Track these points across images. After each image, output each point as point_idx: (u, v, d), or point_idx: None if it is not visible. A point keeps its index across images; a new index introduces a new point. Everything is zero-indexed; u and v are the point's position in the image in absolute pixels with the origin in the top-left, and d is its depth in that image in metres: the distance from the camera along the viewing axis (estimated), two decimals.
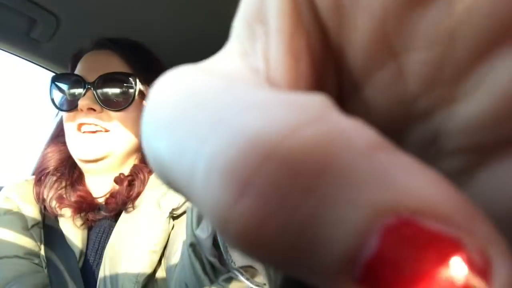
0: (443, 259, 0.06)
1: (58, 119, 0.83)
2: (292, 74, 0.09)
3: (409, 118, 0.09)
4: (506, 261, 0.06)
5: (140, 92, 0.72)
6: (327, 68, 0.10)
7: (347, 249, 0.06)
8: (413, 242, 0.06)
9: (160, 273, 0.67)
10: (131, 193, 0.70)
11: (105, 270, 0.65)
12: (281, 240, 0.07)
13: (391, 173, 0.06)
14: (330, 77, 0.10)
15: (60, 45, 1.07)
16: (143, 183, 0.71)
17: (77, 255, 0.68)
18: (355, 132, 0.07)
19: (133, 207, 0.70)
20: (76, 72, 0.72)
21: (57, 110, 0.82)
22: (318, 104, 0.07)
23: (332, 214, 0.06)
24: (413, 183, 0.06)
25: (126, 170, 0.74)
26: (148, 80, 0.73)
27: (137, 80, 0.71)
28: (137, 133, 0.71)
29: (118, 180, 0.72)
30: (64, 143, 0.76)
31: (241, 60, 0.10)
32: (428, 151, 0.09)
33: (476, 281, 0.06)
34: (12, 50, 1.04)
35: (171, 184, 0.09)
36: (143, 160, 0.74)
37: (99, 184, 0.74)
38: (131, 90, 0.70)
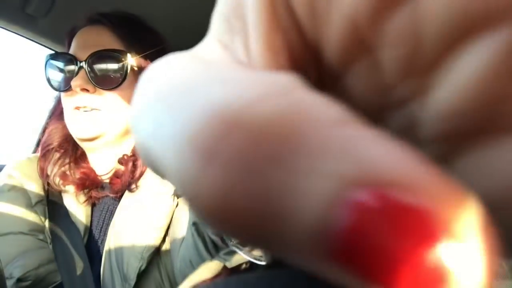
0: (416, 231, 0.06)
1: (57, 94, 0.83)
2: (272, 67, 0.10)
3: (387, 107, 0.10)
4: (479, 229, 0.06)
5: (133, 68, 0.70)
6: (307, 61, 0.10)
7: (316, 220, 0.06)
8: (385, 215, 0.06)
9: (165, 250, 0.69)
10: (135, 173, 0.71)
11: (110, 247, 0.67)
12: (249, 210, 0.06)
13: (357, 146, 0.06)
14: (310, 69, 0.10)
15: (56, 20, 1.06)
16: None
17: (82, 231, 0.69)
18: (321, 106, 0.07)
19: (137, 187, 0.71)
20: (70, 50, 0.71)
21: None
22: (287, 81, 0.08)
23: (298, 184, 0.06)
24: (381, 155, 0.06)
25: (126, 148, 0.75)
26: (144, 54, 0.71)
27: (128, 56, 0.69)
28: (129, 110, 0.70)
29: (122, 161, 0.72)
30: None
31: (223, 51, 0.11)
32: (406, 139, 0.10)
33: (451, 252, 0.06)
34: (7, 26, 1.02)
35: (153, 166, 0.09)
36: None
37: (102, 162, 0.75)
38: (123, 68, 0.68)
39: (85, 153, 0.77)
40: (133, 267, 0.63)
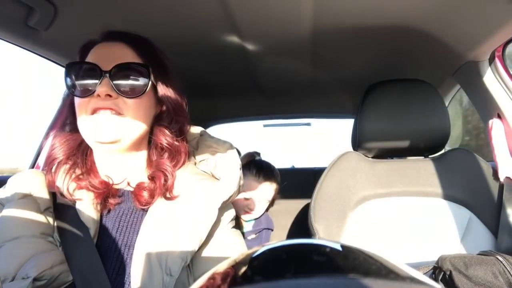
0: None
1: (59, 106, 0.83)
2: None
3: None
4: None
5: (152, 82, 0.76)
6: None
7: None
8: None
9: (203, 250, 0.76)
10: (166, 185, 0.77)
11: (143, 246, 0.71)
12: None
13: None
14: None
15: (58, 33, 1.06)
16: (172, 174, 0.78)
17: (93, 231, 0.72)
18: None
19: (173, 195, 0.77)
20: (89, 60, 0.75)
21: (60, 100, 0.84)
22: None
23: None
24: None
25: (135, 158, 0.79)
26: (157, 72, 0.78)
27: (150, 71, 0.75)
28: (147, 119, 0.77)
29: (154, 175, 0.77)
30: (71, 132, 0.79)
31: None
32: None
33: None
34: (10, 38, 1.03)
35: None
36: (159, 153, 0.79)
37: (113, 171, 0.78)
38: (145, 80, 0.74)
39: (94, 165, 0.80)
40: (177, 264, 0.69)
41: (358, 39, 1.21)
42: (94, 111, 0.71)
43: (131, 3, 0.97)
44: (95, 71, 0.72)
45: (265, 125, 2.42)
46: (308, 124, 2.39)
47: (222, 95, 1.91)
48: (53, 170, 0.76)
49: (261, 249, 0.30)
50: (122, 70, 0.72)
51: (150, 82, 0.75)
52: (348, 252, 0.29)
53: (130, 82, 0.73)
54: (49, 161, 0.77)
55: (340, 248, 0.30)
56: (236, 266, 0.29)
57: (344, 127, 2.34)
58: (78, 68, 0.74)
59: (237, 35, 1.17)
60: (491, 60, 1.17)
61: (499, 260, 0.87)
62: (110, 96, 0.71)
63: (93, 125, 0.72)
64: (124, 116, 0.73)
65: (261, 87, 1.79)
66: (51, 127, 1.61)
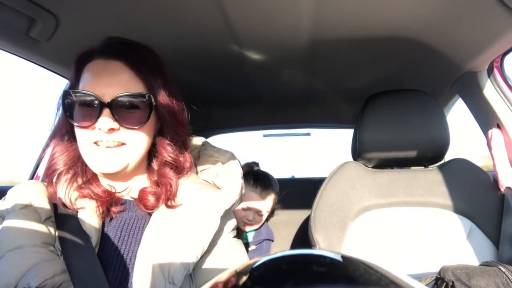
0: None
1: (59, 116, 0.82)
2: None
3: None
4: None
5: (154, 106, 0.74)
6: None
7: None
8: None
9: (205, 258, 0.76)
10: (171, 192, 0.77)
11: (146, 254, 0.70)
12: None
13: None
14: None
15: (60, 44, 1.07)
16: (176, 182, 0.78)
17: (94, 240, 0.72)
18: None
19: (175, 203, 0.77)
20: (86, 83, 0.72)
21: (55, 112, 0.81)
22: None
23: None
24: None
25: (141, 166, 0.79)
26: (156, 89, 0.75)
27: (152, 98, 0.73)
28: (150, 140, 0.77)
29: (158, 182, 0.78)
30: (70, 141, 0.78)
31: None
32: None
33: None
34: (12, 49, 1.04)
35: None
36: (162, 164, 0.79)
37: (117, 182, 0.78)
38: (147, 109, 0.73)
39: (95, 175, 0.79)
40: (180, 272, 0.69)
41: (357, 50, 1.22)
42: (96, 142, 0.70)
43: (132, 14, 0.98)
44: (94, 102, 0.69)
45: (265, 135, 2.42)
46: (308, 134, 2.40)
47: (221, 105, 1.92)
48: (53, 180, 0.76)
49: (261, 260, 0.30)
50: (124, 101, 0.70)
51: (152, 111, 0.73)
52: (348, 262, 0.29)
53: (131, 112, 0.71)
54: (50, 172, 0.77)
55: (340, 259, 0.30)
56: (237, 276, 0.29)
57: (344, 137, 2.34)
58: (76, 96, 0.71)
59: (237, 46, 1.17)
60: (490, 71, 1.18)
61: (502, 271, 0.86)
62: (113, 129, 0.70)
63: (97, 157, 0.71)
64: (127, 145, 0.72)
65: (261, 97, 1.80)
66: (51, 138, 1.61)
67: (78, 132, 0.73)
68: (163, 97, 0.76)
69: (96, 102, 0.69)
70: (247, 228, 1.63)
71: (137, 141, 0.73)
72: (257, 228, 1.67)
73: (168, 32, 1.08)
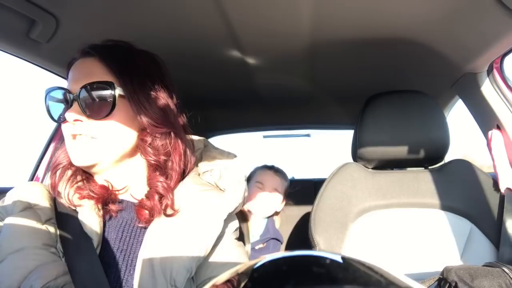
0: None
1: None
2: None
3: None
4: None
5: (122, 96, 0.73)
6: None
7: None
8: None
9: (207, 260, 0.75)
10: (162, 203, 0.75)
11: (147, 256, 0.70)
12: None
13: None
14: None
15: (60, 45, 1.07)
16: (168, 191, 0.75)
17: (95, 242, 0.72)
18: None
19: (175, 211, 0.75)
20: (67, 82, 0.75)
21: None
22: None
23: None
24: None
25: (136, 163, 0.78)
26: (132, 84, 0.73)
27: (116, 86, 0.72)
28: (126, 136, 0.74)
29: (148, 196, 0.76)
30: None
31: None
32: None
33: None
34: (12, 50, 1.04)
35: None
36: (155, 167, 0.77)
37: (112, 180, 0.78)
38: (112, 97, 0.71)
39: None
40: (182, 275, 0.69)
41: (357, 51, 1.22)
42: (73, 136, 0.72)
43: (133, 16, 0.98)
44: (65, 96, 0.72)
45: (265, 136, 2.42)
46: (308, 135, 2.40)
47: (221, 106, 1.92)
48: (57, 174, 0.76)
49: (261, 261, 0.30)
50: (88, 91, 0.70)
51: (116, 100, 0.71)
52: (348, 264, 0.29)
53: (97, 102, 0.71)
54: (54, 165, 0.78)
55: (340, 260, 0.30)
56: (237, 277, 0.29)
57: (343, 138, 2.34)
58: (54, 92, 0.74)
59: (237, 48, 1.18)
60: (490, 72, 1.18)
61: (505, 272, 0.86)
62: (81, 121, 0.70)
63: (72, 150, 0.73)
64: (98, 139, 0.71)
65: (261, 99, 1.80)
66: (50, 140, 1.61)
67: (62, 128, 0.75)
68: (139, 91, 0.73)
69: (67, 96, 0.71)
70: (258, 210, 1.74)
71: (106, 134, 0.72)
72: (268, 217, 1.78)
73: (168, 34, 1.08)
